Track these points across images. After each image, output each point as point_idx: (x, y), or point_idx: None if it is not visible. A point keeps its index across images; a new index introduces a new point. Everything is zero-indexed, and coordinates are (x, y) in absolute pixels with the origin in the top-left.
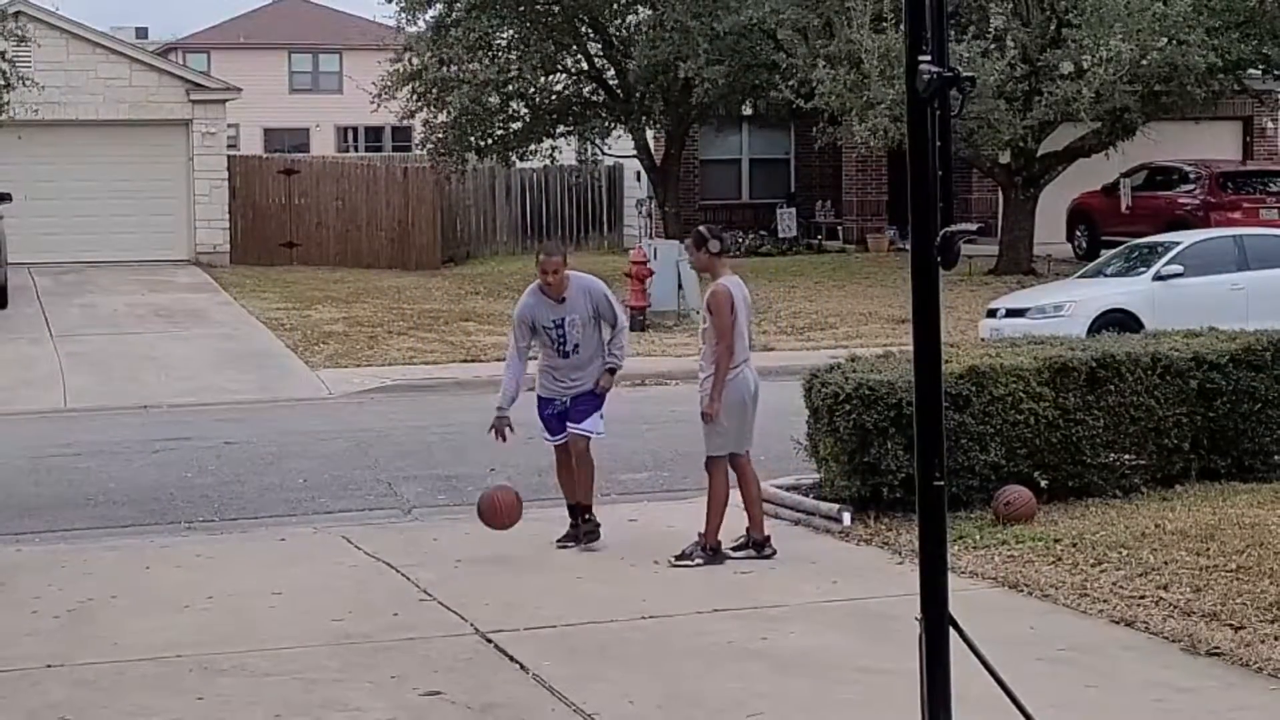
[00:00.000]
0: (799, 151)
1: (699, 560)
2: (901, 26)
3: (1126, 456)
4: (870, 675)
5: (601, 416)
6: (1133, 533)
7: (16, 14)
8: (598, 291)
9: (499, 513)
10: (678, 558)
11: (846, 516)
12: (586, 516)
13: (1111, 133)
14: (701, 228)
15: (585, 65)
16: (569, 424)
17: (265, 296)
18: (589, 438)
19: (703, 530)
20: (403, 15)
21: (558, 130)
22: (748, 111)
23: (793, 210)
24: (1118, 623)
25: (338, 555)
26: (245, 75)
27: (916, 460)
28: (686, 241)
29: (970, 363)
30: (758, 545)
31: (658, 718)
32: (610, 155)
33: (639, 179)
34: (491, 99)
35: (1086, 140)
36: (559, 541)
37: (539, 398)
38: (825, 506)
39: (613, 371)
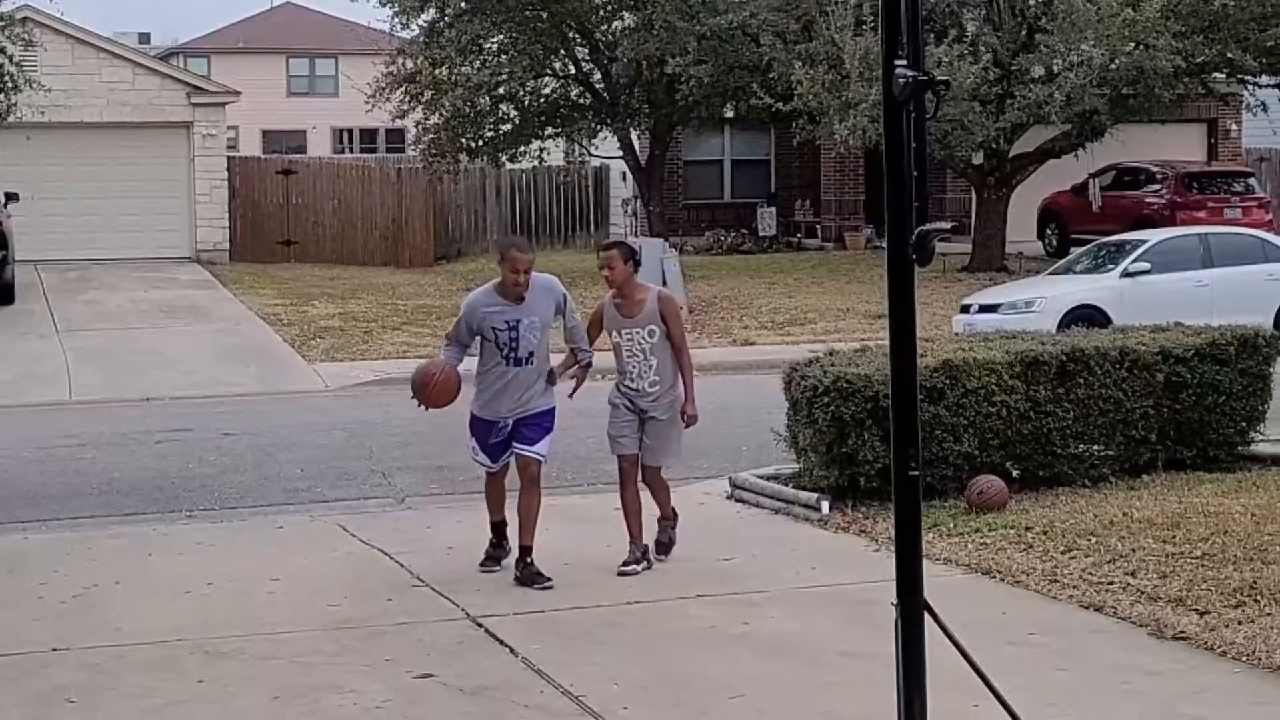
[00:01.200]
0: (779, 153)
1: (672, 536)
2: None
3: (1095, 447)
4: (848, 658)
5: (552, 433)
6: (1101, 521)
7: (23, 19)
8: (559, 289)
9: (431, 389)
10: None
11: (825, 505)
12: (528, 560)
13: (1081, 134)
14: (630, 240)
15: (572, 69)
16: (519, 445)
17: (264, 293)
18: (541, 461)
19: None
20: (397, 20)
21: (546, 132)
22: (729, 114)
23: (773, 209)
24: (1087, 608)
25: (334, 543)
26: (244, 79)
27: (892, 451)
28: (610, 251)
29: (944, 357)
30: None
31: (643, 700)
32: (597, 156)
33: (624, 179)
34: (482, 101)
35: (1057, 142)
36: (481, 566)
37: (478, 419)
38: (804, 495)
39: (589, 366)
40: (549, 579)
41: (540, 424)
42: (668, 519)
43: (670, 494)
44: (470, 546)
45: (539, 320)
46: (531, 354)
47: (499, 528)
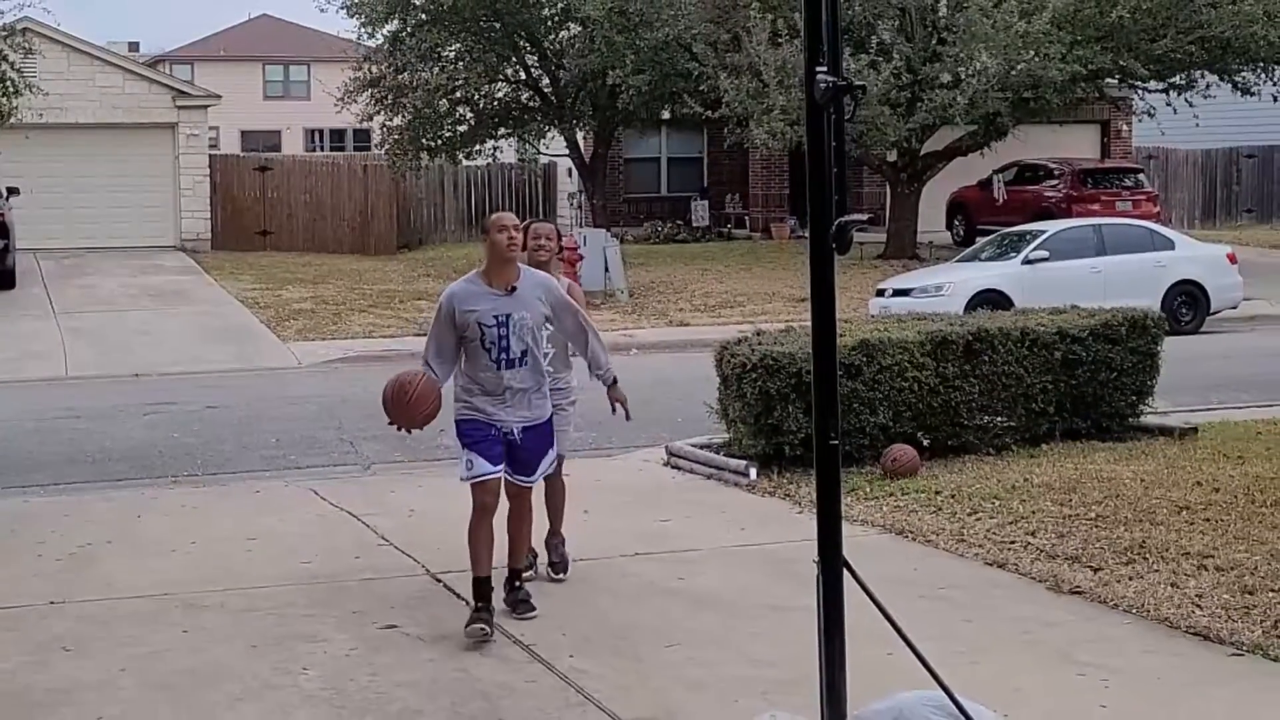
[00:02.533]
0: (711, 151)
1: (564, 555)
2: (797, 42)
3: (999, 419)
4: (774, 611)
5: (554, 450)
6: (1004, 486)
7: (24, 30)
8: (555, 288)
9: (410, 397)
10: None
11: (753, 471)
12: (517, 584)
13: (985, 134)
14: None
15: (523, 75)
16: (511, 472)
17: (242, 279)
18: (532, 486)
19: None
20: (363, 30)
21: (499, 132)
22: (666, 116)
23: (705, 203)
24: (991, 565)
25: (306, 506)
26: (225, 84)
27: (814, 422)
28: (548, 225)
29: (862, 336)
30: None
31: (586, 648)
32: (545, 154)
33: (571, 175)
34: (441, 104)
35: (963, 141)
36: (469, 630)
37: (469, 422)
38: (734, 463)
39: (616, 382)
40: (535, 609)
41: (541, 444)
42: (557, 535)
43: (564, 505)
44: (430, 510)
45: (529, 318)
46: (525, 354)
47: (483, 587)
